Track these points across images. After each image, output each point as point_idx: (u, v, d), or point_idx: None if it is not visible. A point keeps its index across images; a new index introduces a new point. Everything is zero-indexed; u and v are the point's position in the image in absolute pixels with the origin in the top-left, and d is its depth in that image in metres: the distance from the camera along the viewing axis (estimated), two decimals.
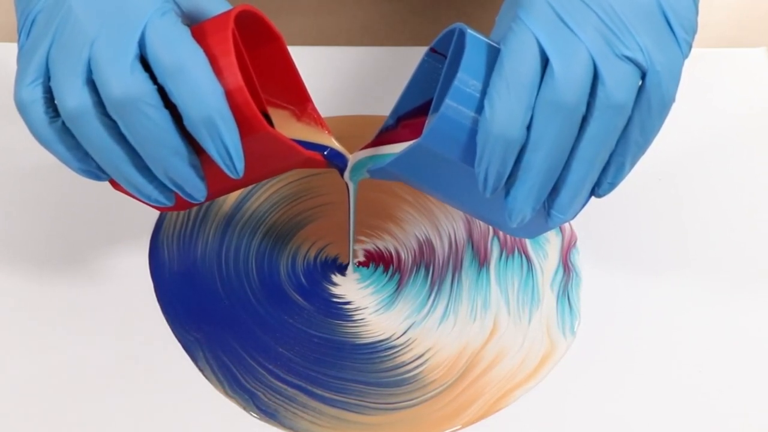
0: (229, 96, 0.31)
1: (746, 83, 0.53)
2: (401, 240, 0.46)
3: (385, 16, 0.56)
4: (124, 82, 0.30)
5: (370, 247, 0.46)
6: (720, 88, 0.53)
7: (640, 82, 0.30)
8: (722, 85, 0.53)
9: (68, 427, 0.39)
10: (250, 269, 0.45)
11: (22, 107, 0.32)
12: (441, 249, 0.46)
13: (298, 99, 0.40)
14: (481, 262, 0.45)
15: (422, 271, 0.45)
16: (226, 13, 0.33)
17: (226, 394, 0.40)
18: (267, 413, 0.40)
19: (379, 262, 0.45)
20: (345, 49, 0.53)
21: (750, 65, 0.54)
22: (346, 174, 0.40)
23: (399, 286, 0.44)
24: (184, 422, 0.39)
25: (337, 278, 0.45)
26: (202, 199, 0.35)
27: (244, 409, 0.40)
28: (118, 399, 0.40)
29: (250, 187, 0.48)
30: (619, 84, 0.29)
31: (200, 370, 0.41)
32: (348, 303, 0.44)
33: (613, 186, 0.33)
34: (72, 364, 0.41)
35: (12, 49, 0.34)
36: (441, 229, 0.47)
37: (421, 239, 0.46)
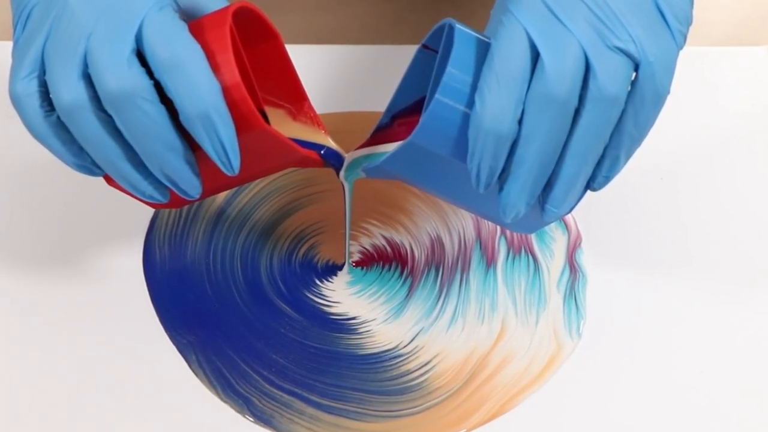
0: (226, 92, 0.33)
1: (748, 82, 0.56)
2: (414, 235, 0.48)
3: (385, 14, 0.59)
4: (121, 77, 0.32)
5: (386, 233, 0.48)
6: (722, 87, 0.55)
7: (634, 74, 0.32)
8: (724, 83, 0.55)
9: (61, 428, 0.41)
10: (235, 270, 0.47)
11: (16, 101, 0.34)
12: (451, 248, 0.48)
13: (294, 97, 0.42)
14: (489, 262, 0.47)
15: (432, 272, 0.47)
16: (224, 10, 0.35)
17: (220, 398, 0.42)
18: (262, 419, 0.41)
19: (398, 260, 0.47)
20: (344, 48, 0.56)
21: (752, 64, 0.57)
22: (342, 173, 0.42)
23: (410, 291, 0.46)
24: (179, 424, 0.41)
25: (335, 293, 0.46)
26: (197, 196, 0.36)
27: (239, 413, 0.42)
28: (113, 399, 0.42)
29: None
30: (611, 76, 0.31)
31: (194, 373, 0.43)
32: (353, 318, 0.45)
33: (608, 179, 0.35)
34: (66, 364, 0.43)
35: (9, 47, 0.36)
36: (451, 226, 0.49)
37: (432, 236, 0.48)
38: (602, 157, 0.34)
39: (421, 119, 0.33)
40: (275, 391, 0.42)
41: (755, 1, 0.60)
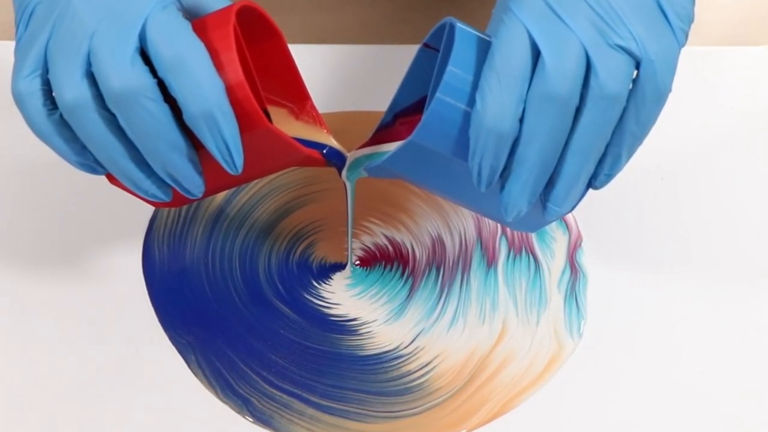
0: (230, 91, 0.34)
1: (749, 81, 0.56)
2: (416, 235, 0.49)
3: (386, 14, 0.59)
4: (124, 75, 0.32)
5: (387, 232, 0.49)
6: (722, 87, 0.56)
7: (636, 72, 0.32)
8: (725, 83, 0.56)
9: (60, 428, 0.41)
10: (234, 270, 0.47)
11: (19, 99, 0.34)
12: (452, 248, 0.49)
13: (297, 96, 0.43)
14: (490, 261, 0.48)
15: (433, 272, 0.48)
16: (228, 8, 0.36)
17: (219, 398, 0.43)
18: (261, 419, 0.42)
19: (399, 260, 0.48)
20: (345, 48, 0.57)
21: (752, 63, 0.57)
22: (344, 173, 0.43)
23: (411, 292, 0.47)
24: (179, 424, 0.42)
25: (335, 295, 0.47)
26: (200, 195, 0.37)
27: (239, 413, 0.42)
28: (112, 400, 0.42)
29: None
30: (612, 74, 0.31)
31: (193, 373, 0.43)
32: (354, 319, 0.46)
33: (610, 177, 0.35)
34: (65, 364, 0.43)
35: (11, 46, 0.37)
36: (452, 225, 0.49)
37: (433, 236, 0.49)
38: (604, 155, 0.34)
39: (422, 118, 0.33)
40: (275, 391, 0.43)
41: (755, 1, 0.61)
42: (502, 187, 0.34)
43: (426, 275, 0.47)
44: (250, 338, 0.45)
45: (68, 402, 0.42)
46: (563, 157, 0.33)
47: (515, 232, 0.49)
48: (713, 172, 0.52)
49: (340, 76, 0.55)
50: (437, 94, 0.33)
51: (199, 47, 0.33)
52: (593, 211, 0.49)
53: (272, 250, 0.48)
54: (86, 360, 0.43)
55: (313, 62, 0.52)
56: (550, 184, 0.34)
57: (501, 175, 0.34)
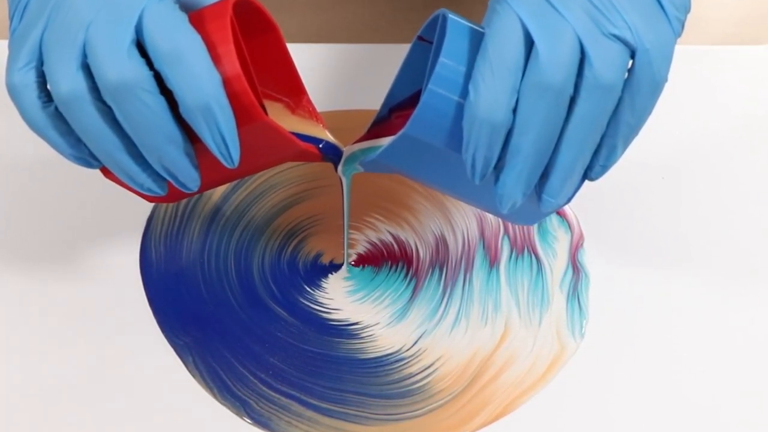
0: (227, 84, 0.34)
1: (749, 80, 0.57)
2: (419, 234, 0.49)
3: (385, 13, 0.60)
4: (120, 67, 0.33)
5: (391, 229, 0.49)
6: (723, 86, 0.56)
7: (631, 62, 0.33)
8: (725, 82, 0.57)
9: (57, 429, 0.42)
10: (229, 270, 0.48)
11: (13, 91, 0.34)
12: (455, 247, 0.49)
13: (293, 91, 0.43)
14: (492, 261, 0.48)
15: (436, 272, 0.48)
16: (225, 1, 0.36)
17: (217, 400, 0.43)
18: (260, 421, 0.42)
19: (404, 259, 0.48)
20: (344, 47, 0.58)
21: (753, 62, 0.58)
22: (340, 167, 0.43)
23: (414, 292, 0.47)
24: (177, 425, 0.42)
25: (333, 300, 0.47)
26: (195, 189, 0.37)
27: (237, 415, 0.43)
28: (109, 400, 0.43)
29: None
30: (606, 64, 0.32)
31: (191, 374, 0.44)
32: (355, 324, 0.46)
33: (605, 168, 0.35)
34: (63, 364, 0.44)
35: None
36: (455, 224, 0.50)
37: (437, 235, 0.49)
38: (599, 146, 0.34)
39: (415, 110, 0.34)
40: (273, 393, 0.43)
41: (757, 0, 0.61)
42: (497, 179, 0.34)
43: (429, 275, 0.48)
44: (247, 340, 0.45)
45: (65, 403, 0.43)
46: (558, 147, 0.34)
47: (517, 232, 0.49)
48: (714, 172, 0.52)
49: (340, 75, 0.56)
50: (429, 86, 0.33)
51: (196, 39, 0.34)
52: (595, 211, 0.50)
53: (266, 248, 0.49)
54: (83, 360, 0.44)
55: (313, 62, 0.53)
56: (545, 175, 0.35)
57: (495, 167, 0.34)
